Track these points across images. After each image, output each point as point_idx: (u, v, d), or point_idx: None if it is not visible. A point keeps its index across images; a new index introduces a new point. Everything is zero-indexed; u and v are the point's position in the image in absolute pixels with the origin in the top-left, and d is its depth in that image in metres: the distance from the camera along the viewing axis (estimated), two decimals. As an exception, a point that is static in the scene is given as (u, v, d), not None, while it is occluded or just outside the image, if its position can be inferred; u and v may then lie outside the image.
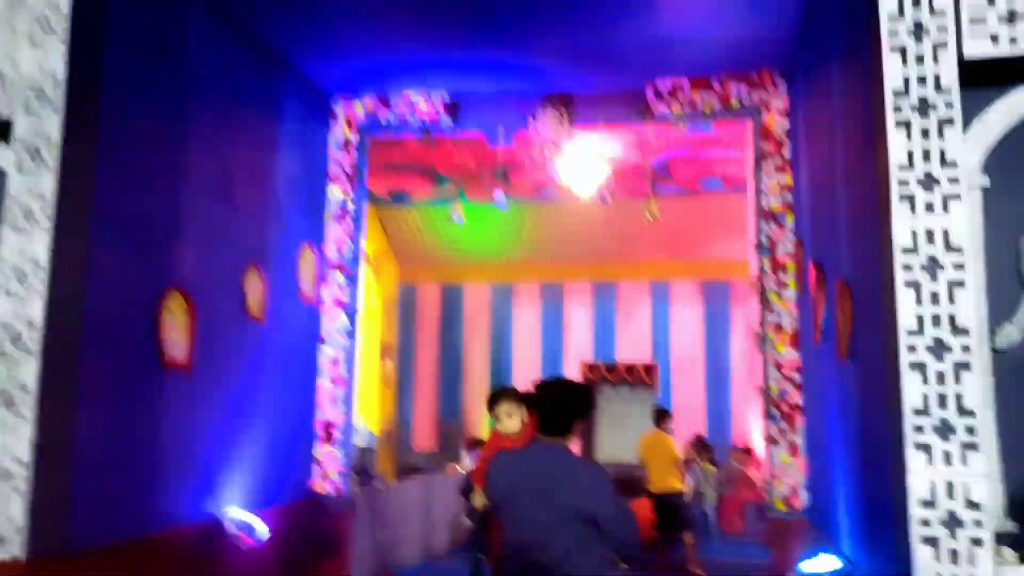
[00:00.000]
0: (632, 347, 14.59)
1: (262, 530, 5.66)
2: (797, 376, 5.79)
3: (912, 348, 2.85)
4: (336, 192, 7.05)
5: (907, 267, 2.90)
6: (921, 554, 2.76)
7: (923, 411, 2.82)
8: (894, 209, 2.94)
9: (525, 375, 15.09)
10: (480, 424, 15.37)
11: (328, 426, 6.92)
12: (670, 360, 14.39)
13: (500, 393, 5.12)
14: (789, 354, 5.83)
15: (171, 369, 4.89)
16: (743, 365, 14.06)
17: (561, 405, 2.85)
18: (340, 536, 6.98)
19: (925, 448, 2.80)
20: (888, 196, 3.01)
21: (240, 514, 5.55)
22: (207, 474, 5.33)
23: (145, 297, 4.68)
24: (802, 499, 5.73)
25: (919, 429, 2.81)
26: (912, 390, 2.84)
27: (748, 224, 6.68)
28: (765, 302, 6.04)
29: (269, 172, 6.20)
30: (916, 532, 2.77)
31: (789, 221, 5.93)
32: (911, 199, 2.93)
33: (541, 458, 2.84)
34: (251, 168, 5.94)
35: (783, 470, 5.80)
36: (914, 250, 2.90)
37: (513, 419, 4.86)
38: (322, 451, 6.88)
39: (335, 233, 7.02)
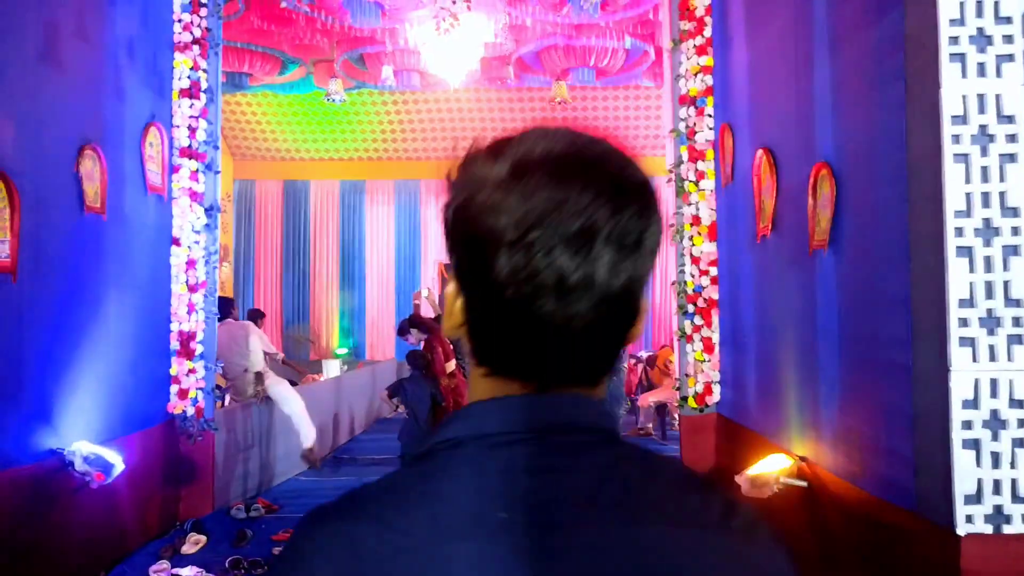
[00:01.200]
0: (492, 247, 14.17)
1: (117, 464, 4.75)
2: (714, 270, 5.54)
3: (960, 231, 2.51)
4: (184, 63, 5.86)
5: (956, 138, 2.52)
6: (962, 459, 2.50)
7: (968, 302, 2.51)
8: (943, 71, 2.53)
9: (379, 279, 14.34)
10: (330, 331, 14.54)
11: (186, 338, 5.97)
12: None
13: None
14: (708, 248, 5.55)
15: (-7, 275, 3.83)
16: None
17: None
18: (203, 463, 6.17)
19: (970, 342, 2.51)
20: (924, 57, 2.61)
21: (90, 448, 4.61)
22: (43, 403, 4.33)
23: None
24: (715, 396, 5.59)
25: (964, 322, 2.51)
26: (958, 279, 2.51)
27: (664, 111, 6.25)
28: (682, 193, 5.69)
29: (101, 32, 4.96)
30: (957, 436, 2.50)
31: (710, 106, 5.54)
32: (962, 58, 2.54)
33: None
34: (80, 26, 4.70)
35: (697, 367, 5.61)
36: (964, 119, 2.53)
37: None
38: (180, 367, 5.95)
39: (186, 113, 5.87)
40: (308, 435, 7.01)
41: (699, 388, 5.61)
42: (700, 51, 5.58)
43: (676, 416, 9.56)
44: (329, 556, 0.64)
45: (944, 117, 2.53)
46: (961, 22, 2.53)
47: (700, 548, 0.65)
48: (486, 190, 0.67)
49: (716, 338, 5.55)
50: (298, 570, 0.66)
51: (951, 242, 2.51)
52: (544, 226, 0.64)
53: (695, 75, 5.61)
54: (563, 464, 0.66)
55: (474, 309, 0.70)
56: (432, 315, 7.53)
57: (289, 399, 7.07)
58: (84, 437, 4.62)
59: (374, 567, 0.63)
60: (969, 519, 2.49)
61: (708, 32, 5.56)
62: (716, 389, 5.59)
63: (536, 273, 0.64)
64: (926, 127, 2.62)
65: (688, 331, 5.67)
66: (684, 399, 5.73)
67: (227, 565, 4.97)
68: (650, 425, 9.92)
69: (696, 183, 5.60)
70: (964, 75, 2.53)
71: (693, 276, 5.62)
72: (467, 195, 0.69)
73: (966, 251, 2.51)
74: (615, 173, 0.68)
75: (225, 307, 7.21)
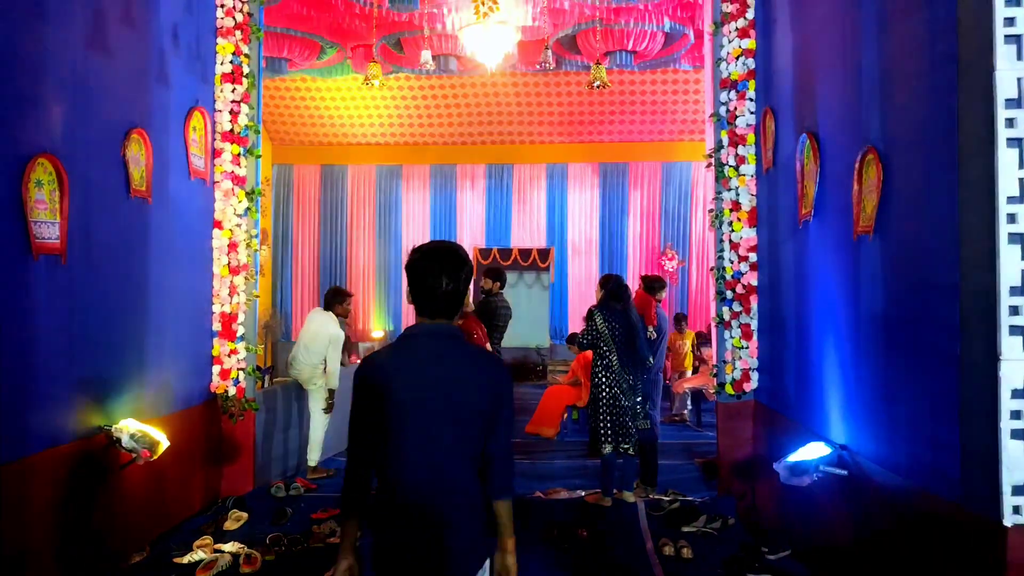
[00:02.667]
0: (527, 231, 14.17)
1: (162, 441, 4.86)
2: (753, 256, 5.48)
3: (1012, 217, 2.46)
4: (227, 48, 5.93)
5: (1010, 122, 2.46)
6: (1011, 449, 2.45)
7: (1020, 290, 2.46)
8: (997, 53, 2.47)
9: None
10: (368, 314, 14.68)
11: (228, 319, 6.07)
12: (566, 243, 14.10)
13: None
14: (747, 233, 5.49)
15: (42, 256, 3.92)
16: (639, 247, 13.99)
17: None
18: (244, 441, 6.28)
19: (1021, 331, 2.46)
20: (977, 38, 2.54)
21: (136, 426, 4.72)
22: (91, 382, 4.45)
23: (5, 165, 3.65)
24: (753, 383, 5.54)
25: (1015, 310, 2.46)
26: (1010, 266, 2.46)
27: (704, 94, 6.17)
28: (721, 178, 5.63)
29: (146, 18, 5.03)
30: (1006, 425, 2.46)
31: (751, 90, 5.46)
32: (1018, 40, 2.47)
33: None
34: (126, 11, 4.77)
35: (735, 353, 5.57)
36: (1018, 103, 2.47)
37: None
38: (222, 347, 6.05)
39: (228, 97, 5.94)
40: (314, 455, 7.11)
41: (737, 375, 5.56)
42: (742, 34, 5.49)
43: (712, 403, 9.51)
44: (364, 372, 2.35)
45: (998, 100, 2.47)
46: (1017, 2, 2.47)
47: (474, 374, 2.35)
48: (413, 262, 2.37)
49: (755, 325, 5.49)
50: (357, 379, 2.36)
51: (1003, 228, 2.46)
52: (425, 271, 2.34)
53: (737, 58, 5.52)
54: (434, 344, 2.36)
55: (412, 294, 2.37)
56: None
57: (318, 417, 7.14)
58: (130, 415, 4.74)
59: (378, 371, 2.33)
60: (1017, 510, 2.45)
61: (751, 14, 5.47)
62: (754, 376, 5.54)
63: (425, 284, 2.35)
64: (979, 111, 2.56)
65: (726, 317, 5.62)
66: (721, 386, 5.69)
67: (268, 541, 5.07)
68: (685, 412, 9.88)
69: (736, 168, 5.53)
70: (1019, 57, 2.47)
71: (732, 262, 5.56)
72: (409, 263, 2.38)
73: (1018, 238, 2.46)
74: (449, 255, 2.37)
75: (330, 299, 7.32)
